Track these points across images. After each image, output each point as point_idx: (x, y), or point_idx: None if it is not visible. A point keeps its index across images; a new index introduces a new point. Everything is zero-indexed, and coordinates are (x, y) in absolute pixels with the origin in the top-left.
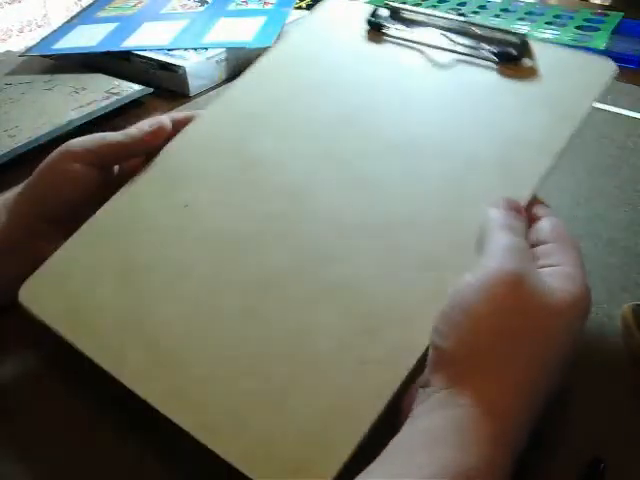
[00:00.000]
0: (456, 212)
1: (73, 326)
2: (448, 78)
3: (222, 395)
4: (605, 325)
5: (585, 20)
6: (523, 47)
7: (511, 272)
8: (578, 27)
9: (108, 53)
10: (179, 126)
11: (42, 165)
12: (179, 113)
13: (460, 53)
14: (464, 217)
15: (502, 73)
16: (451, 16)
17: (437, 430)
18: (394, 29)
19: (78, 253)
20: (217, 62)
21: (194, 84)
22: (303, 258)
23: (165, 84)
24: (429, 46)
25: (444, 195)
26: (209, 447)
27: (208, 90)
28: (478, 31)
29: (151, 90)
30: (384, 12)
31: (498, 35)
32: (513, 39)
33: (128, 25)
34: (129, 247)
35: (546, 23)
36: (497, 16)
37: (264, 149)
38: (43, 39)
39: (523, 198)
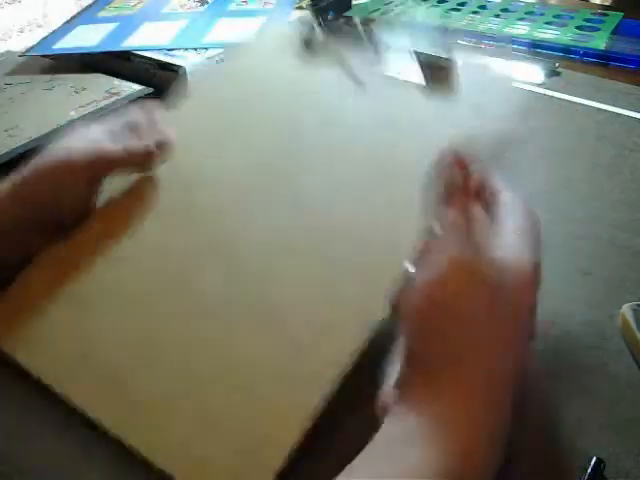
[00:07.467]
0: (389, 220)
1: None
2: (379, 97)
3: (163, 416)
4: (605, 325)
5: (585, 20)
6: (450, 69)
7: (463, 262)
8: (578, 27)
9: (108, 53)
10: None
11: (40, 170)
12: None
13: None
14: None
15: (429, 90)
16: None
17: (415, 430)
18: (327, 50)
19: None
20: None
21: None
22: (237, 282)
23: (165, 84)
24: (361, 66)
25: (376, 204)
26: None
27: None
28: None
29: (151, 90)
30: (320, 35)
31: (429, 59)
32: (441, 63)
33: (128, 25)
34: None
35: (546, 23)
36: (497, 16)
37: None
38: (43, 39)
39: None
